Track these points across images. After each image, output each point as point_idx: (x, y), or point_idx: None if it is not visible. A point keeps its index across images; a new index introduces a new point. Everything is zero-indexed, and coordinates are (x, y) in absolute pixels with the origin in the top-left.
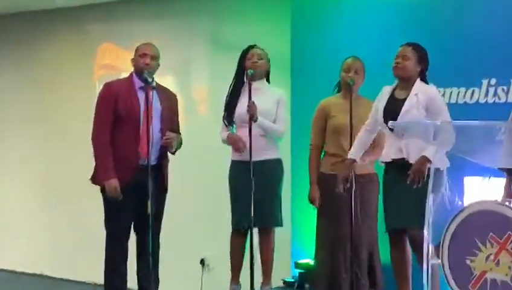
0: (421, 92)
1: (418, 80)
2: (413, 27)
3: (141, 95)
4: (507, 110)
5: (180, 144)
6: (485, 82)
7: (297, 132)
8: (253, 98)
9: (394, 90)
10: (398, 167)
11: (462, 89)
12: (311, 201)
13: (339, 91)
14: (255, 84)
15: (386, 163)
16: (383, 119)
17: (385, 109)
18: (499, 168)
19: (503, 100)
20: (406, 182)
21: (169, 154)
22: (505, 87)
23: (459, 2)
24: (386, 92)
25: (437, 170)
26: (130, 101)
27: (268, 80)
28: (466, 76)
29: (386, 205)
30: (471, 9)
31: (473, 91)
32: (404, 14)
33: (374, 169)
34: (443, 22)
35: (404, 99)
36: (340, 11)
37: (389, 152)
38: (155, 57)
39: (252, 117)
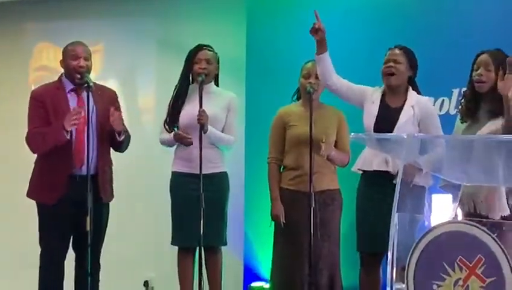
0: (417, 104)
1: (410, 88)
2: (379, 32)
3: (72, 98)
4: None
5: (128, 141)
6: (455, 92)
7: (252, 142)
8: (204, 103)
9: (384, 96)
10: (380, 180)
11: (431, 99)
12: (275, 218)
13: (298, 98)
14: (205, 88)
15: (365, 172)
16: (372, 127)
17: (378, 116)
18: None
19: None
20: (388, 198)
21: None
22: None
23: (429, 10)
24: (376, 95)
25: (421, 187)
26: (59, 106)
27: (217, 84)
28: (436, 85)
29: (362, 223)
30: (441, 18)
31: (443, 101)
32: (371, 18)
33: (338, 184)
34: (413, 29)
35: (398, 109)
36: (300, 13)
37: (372, 161)
38: (88, 58)
39: (203, 127)
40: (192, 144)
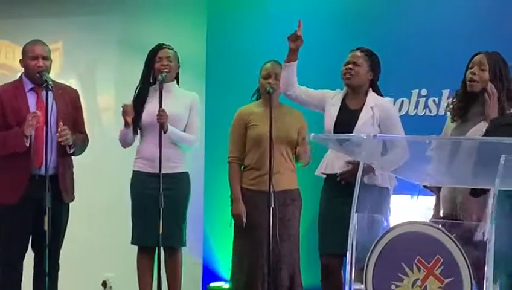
0: (377, 105)
1: (371, 90)
2: (340, 34)
3: (32, 98)
4: (438, 123)
5: (84, 146)
6: (415, 93)
7: (212, 142)
8: (163, 102)
9: (345, 98)
10: (342, 183)
11: (391, 100)
12: (236, 218)
13: (257, 98)
14: (164, 87)
15: (328, 176)
16: (333, 129)
17: (337, 118)
18: (424, 186)
19: (434, 113)
20: (350, 201)
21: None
22: (436, 99)
23: (389, 11)
24: (337, 98)
25: (382, 188)
26: (17, 105)
27: (177, 83)
28: (395, 86)
29: (324, 225)
30: (402, 19)
31: (402, 102)
32: (331, 20)
33: (297, 185)
34: (373, 29)
35: (358, 111)
36: (260, 14)
37: (334, 164)
38: (47, 57)
39: (163, 127)
40: (129, 125)
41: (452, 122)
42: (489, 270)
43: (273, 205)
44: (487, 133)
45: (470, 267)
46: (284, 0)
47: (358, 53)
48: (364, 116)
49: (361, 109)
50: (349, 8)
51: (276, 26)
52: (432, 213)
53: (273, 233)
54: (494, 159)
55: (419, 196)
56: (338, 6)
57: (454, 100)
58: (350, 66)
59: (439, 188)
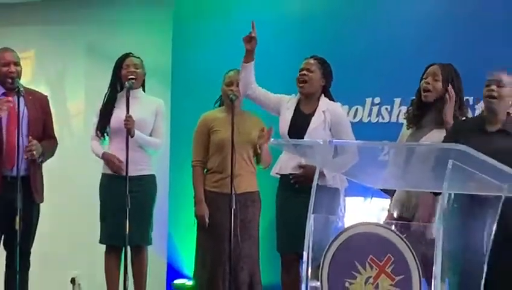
0: (328, 110)
1: (323, 95)
2: (298, 43)
3: None
4: (390, 130)
5: (53, 151)
6: (368, 101)
7: (176, 146)
8: (130, 108)
9: (299, 103)
10: (296, 183)
11: (345, 107)
12: (200, 218)
13: (220, 105)
14: (131, 94)
15: (283, 176)
16: (287, 132)
17: (291, 122)
18: (382, 190)
19: (386, 120)
20: (305, 200)
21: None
22: (388, 107)
23: (344, 21)
24: (292, 103)
25: (335, 189)
26: None
27: (144, 90)
28: (349, 93)
29: (281, 224)
30: (357, 29)
31: (357, 109)
32: (290, 30)
33: (257, 187)
34: (328, 38)
35: (310, 115)
36: (223, 23)
37: (288, 165)
38: (17, 63)
39: (130, 132)
40: (121, 169)
41: (408, 129)
42: (437, 268)
43: (234, 207)
44: (450, 135)
45: (418, 265)
46: (247, 11)
47: (311, 61)
48: (316, 120)
49: (313, 113)
50: (305, 18)
51: (239, 36)
52: (386, 214)
53: (234, 233)
54: (443, 164)
55: (375, 198)
56: (295, 16)
57: (410, 108)
58: (304, 72)
59: (394, 191)
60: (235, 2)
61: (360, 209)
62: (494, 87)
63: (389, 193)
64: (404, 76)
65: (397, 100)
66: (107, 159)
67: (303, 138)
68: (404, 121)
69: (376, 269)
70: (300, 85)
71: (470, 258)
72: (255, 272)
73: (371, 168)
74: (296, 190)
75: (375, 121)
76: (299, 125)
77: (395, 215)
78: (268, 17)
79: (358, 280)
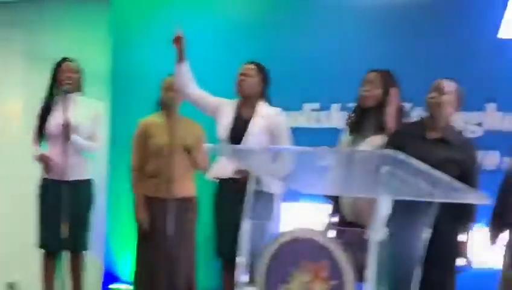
0: (267, 115)
1: (262, 100)
2: (236, 48)
3: None
4: (329, 136)
5: None
6: (307, 106)
7: (116, 151)
8: (68, 112)
9: (238, 108)
10: (234, 187)
11: (284, 113)
12: (139, 223)
13: (159, 110)
14: (69, 98)
15: (220, 180)
16: (226, 137)
17: (230, 126)
18: (325, 196)
19: (325, 125)
20: (242, 205)
21: None
22: (326, 112)
23: (282, 26)
24: (231, 107)
25: (272, 195)
26: None
27: (82, 93)
28: (288, 99)
29: (219, 229)
30: (294, 33)
31: (295, 114)
32: (228, 35)
33: (194, 192)
34: (267, 43)
35: (249, 119)
36: (163, 27)
37: (225, 168)
38: None
39: (67, 136)
40: (51, 170)
41: (349, 135)
42: (371, 273)
43: (171, 212)
44: (391, 141)
45: (353, 270)
46: (187, 16)
47: (250, 66)
48: (254, 125)
49: (252, 118)
50: (244, 23)
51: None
52: (327, 220)
53: (171, 238)
54: (378, 170)
55: (315, 204)
56: (233, 21)
57: (351, 115)
58: (243, 77)
59: (336, 196)
60: (173, 6)
61: (298, 214)
62: (435, 94)
63: (331, 198)
64: (342, 82)
65: (335, 106)
66: (39, 160)
67: (241, 143)
68: (346, 128)
69: (311, 275)
70: (239, 89)
71: (404, 264)
72: (192, 277)
73: (309, 174)
74: (234, 194)
75: (313, 126)
76: (237, 130)
77: (336, 220)
78: (207, 22)
79: (293, 284)
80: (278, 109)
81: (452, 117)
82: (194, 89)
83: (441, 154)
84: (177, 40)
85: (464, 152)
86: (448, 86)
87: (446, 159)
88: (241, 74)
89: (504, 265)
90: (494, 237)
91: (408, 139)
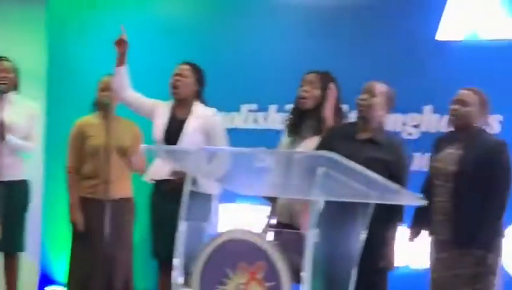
0: (202, 115)
1: (197, 101)
2: (174, 49)
3: None
4: (267, 137)
5: None
6: (244, 107)
7: (52, 152)
8: (4, 112)
9: (173, 109)
10: (170, 188)
11: (221, 114)
12: (74, 224)
13: (96, 111)
14: (4, 98)
15: (156, 182)
16: (161, 138)
17: (166, 127)
18: (263, 197)
19: (262, 127)
20: (178, 206)
21: None
22: (264, 114)
23: (219, 27)
24: (166, 108)
25: (209, 195)
26: None
27: (17, 93)
28: (225, 100)
29: (156, 231)
30: (232, 35)
31: (233, 115)
32: (167, 36)
33: (132, 193)
34: (204, 44)
35: (185, 120)
36: (99, 27)
37: (161, 170)
38: None
39: (2, 136)
40: None
41: (288, 137)
42: (307, 275)
43: (108, 213)
44: (323, 142)
45: (290, 272)
46: (123, 14)
47: (185, 66)
48: (190, 126)
49: (187, 118)
50: (182, 24)
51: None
52: (265, 221)
53: (108, 240)
54: (315, 171)
55: (253, 205)
56: (171, 22)
57: (289, 116)
58: (177, 77)
59: (275, 197)
60: (109, 6)
61: (236, 216)
62: (366, 96)
63: (269, 199)
64: (280, 83)
65: (273, 107)
66: None
67: (177, 143)
68: (285, 129)
69: (247, 276)
70: (174, 90)
71: (340, 265)
72: (129, 279)
73: (246, 175)
74: (171, 196)
75: (251, 127)
76: (173, 131)
77: (275, 221)
78: (144, 23)
79: (229, 286)
80: (214, 110)
81: (383, 118)
82: (130, 93)
83: (368, 154)
84: (120, 43)
85: (392, 153)
86: (379, 88)
87: (373, 158)
88: (176, 75)
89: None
90: (414, 237)
91: (338, 140)
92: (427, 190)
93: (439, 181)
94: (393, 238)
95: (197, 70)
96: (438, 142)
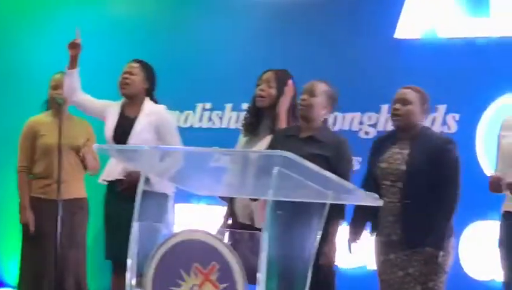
0: (152, 113)
1: (147, 98)
2: (130, 47)
3: None
4: (222, 136)
5: None
6: (199, 106)
7: (2, 151)
8: None
9: (123, 107)
10: (123, 189)
11: (177, 112)
12: (26, 225)
13: (47, 109)
14: None
15: (109, 183)
16: (112, 137)
17: (116, 127)
18: (220, 197)
19: (217, 125)
20: (132, 207)
21: None
22: (219, 112)
23: (173, 26)
24: (116, 108)
25: (164, 195)
26: None
27: None
28: (180, 99)
29: (109, 231)
30: (186, 34)
31: (188, 115)
32: (122, 34)
33: (85, 193)
34: (161, 42)
35: (135, 118)
36: (49, 24)
37: (113, 170)
38: None
39: None
40: None
41: (244, 136)
42: (261, 275)
43: (61, 213)
44: (271, 143)
45: (244, 273)
46: (73, 12)
47: (133, 64)
48: (140, 123)
49: (137, 116)
50: (135, 22)
51: (66, 37)
52: (222, 221)
53: (60, 240)
54: (270, 171)
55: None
56: (124, 20)
57: (246, 116)
58: (126, 75)
59: (232, 197)
60: (59, 4)
61: (193, 216)
62: (306, 96)
63: (226, 199)
64: (235, 81)
65: (228, 106)
66: None
67: (127, 142)
68: (241, 129)
69: (201, 277)
70: (122, 88)
71: (295, 265)
72: (82, 280)
73: (201, 174)
74: (124, 196)
75: (206, 126)
76: (123, 129)
77: (230, 222)
78: (98, 21)
79: (183, 288)
80: (163, 106)
81: (324, 117)
82: (81, 96)
83: (309, 151)
84: (73, 46)
85: (334, 150)
86: (319, 87)
87: (313, 155)
88: (124, 73)
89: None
90: (354, 236)
91: (282, 139)
92: (365, 188)
93: (388, 181)
94: (333, 235)
95: (146, 68)
96: (378, 143)
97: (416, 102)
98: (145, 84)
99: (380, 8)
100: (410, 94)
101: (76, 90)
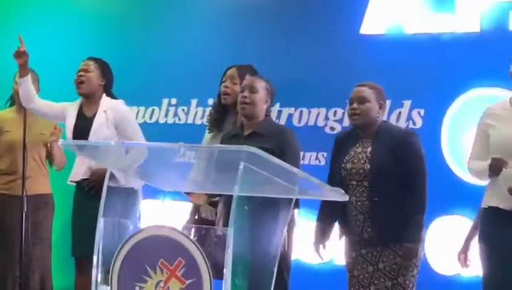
0: (109, 108)
1: (104, 95)
2: (94, 43)
3: None
4: (187, 131)
5: None
6: (165, 102)
7: None
8: None
9: (81, 107)
10: (89, 186)
11: (142, 108)
12: None
13: (12, 105)
14: None
15: (76, 183)
16: (71, 137)
17: (75, 126)
18: (185, 193)
19: (183, 121)
20: (96, 204)
21: None
22: (185, 108)
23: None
24: (74, 108)
25: (131, 190)
26: None
27: None
28: (146, 95)
29: (75, 229)
30: (150, 29)
31: (153, 110)
32: (87, 29)
33: (50, 189)
34: (126, 38)
35: (93, 116)
36: (13, 20)
37: (79, 171)
38: None
39: None
40: None
41: (209, 133)
42: (227, 271)
43: (25, 209)
44: (221, 141)
45: (209, 269)
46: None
47: (88, 61)
48: (98, 120)
49: (95, 114)
50: (102, 19)
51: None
52: (188, 217)
53: (25, 237)
54: (235, 166)
55: (175, 201)
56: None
57: (211, 112)
58: (81, 73)
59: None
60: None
61: (158, 211)
62: (246, 93)
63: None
64: (201, 77)
65: (194, 101)
66: None
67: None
68: (207, 125)
69: (167, 273)
70: (78, 86)
71: (261, 261)
72: (47, 276)
73: (166, 170)
74: (91, 194)
75: (171, 122)
76: (82, 128)
77: (196, 217)
78: (64, 19)
79: (149, 284)
80: (121, 101)
81: (265, 112)
82: (38, 102)
83: (251, 145)
84: (19, 55)
85: (276, 141)
86: (259, 83)
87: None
88: (79, 71)
89: None
90: (321, 238)
91: (227, 141)
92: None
93: (354, 181)
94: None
95: (101, 65)
96: (339, 143)
97: (373, 99)
98: (101, 80)
99: (346, 3)
100: (366, 92)
101: (33, 98)
